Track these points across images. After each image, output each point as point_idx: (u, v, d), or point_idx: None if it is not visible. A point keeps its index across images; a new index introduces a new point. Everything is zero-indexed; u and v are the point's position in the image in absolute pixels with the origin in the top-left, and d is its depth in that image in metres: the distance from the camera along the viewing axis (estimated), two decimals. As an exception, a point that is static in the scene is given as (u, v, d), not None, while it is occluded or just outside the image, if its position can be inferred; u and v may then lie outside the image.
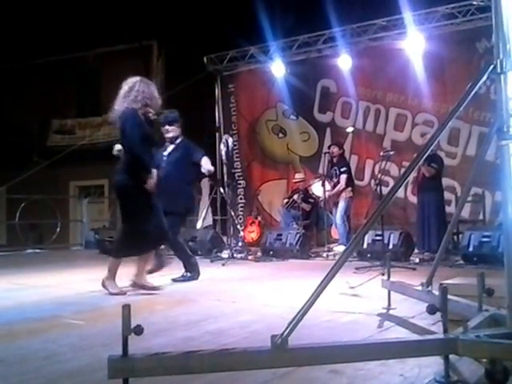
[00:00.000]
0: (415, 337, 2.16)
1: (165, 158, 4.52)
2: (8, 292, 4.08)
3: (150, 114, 3.74)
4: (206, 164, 4.43)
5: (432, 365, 1.85)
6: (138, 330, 1.48)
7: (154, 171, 3.66)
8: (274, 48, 8.78)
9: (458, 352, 1.61)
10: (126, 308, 1.48)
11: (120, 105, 3.65)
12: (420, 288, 2.53)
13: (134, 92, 3.63)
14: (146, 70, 12.81)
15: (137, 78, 3.74)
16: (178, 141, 4.61)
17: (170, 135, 4.56)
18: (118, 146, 3.85)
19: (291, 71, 8.70)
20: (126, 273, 3.81)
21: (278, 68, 8.76)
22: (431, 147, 1.85)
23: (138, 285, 3.78)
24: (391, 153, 5.83)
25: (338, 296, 3.41)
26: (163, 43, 12.70)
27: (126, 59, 12.53)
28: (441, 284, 2.07)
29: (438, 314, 1.72)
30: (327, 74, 8.60)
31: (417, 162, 1.96)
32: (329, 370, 1.86)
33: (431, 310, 1.69)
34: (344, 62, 8.14)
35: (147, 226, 3.63)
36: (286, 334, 1.56)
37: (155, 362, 1.53)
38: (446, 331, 1.65)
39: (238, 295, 3.80)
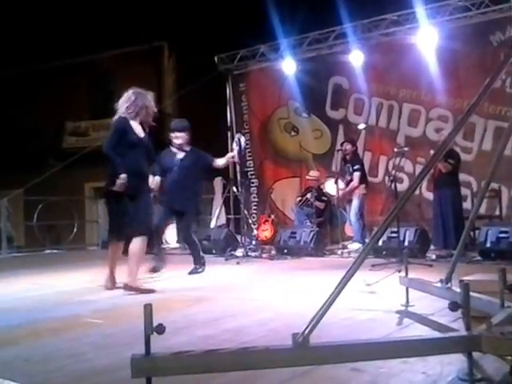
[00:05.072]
0: (438, 334, 2.14)
1: (178, 163, 5.07)
2: (29, 292, 4.14)
3: (147, 122, 4.08)
4: (222, 160, 5.16)
5: (454, 362, 1.83)
6: (160, 329, 1.48)
7: (123, 176, 3.77)
8: (284, 46, 8.73)
9: (482, 349, 1.59)
10: (148, 307, 1.48)
11: (116, 114, 4.01)
12: (439, 285, 2.51)
13: (127, 103, 3.97)
14: (157, 71, 12.88)
15: (131, 90, 4.04)
16: (188, 148, 5.13)
17: (177, 142, 5.08)
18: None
19: (302, 68, 8.65)
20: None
21: (288, 66, 8.72)
22: (449, 143, 1.82)
23: (130, 288, 3.74)
24: (405, 149, 5.76)
25: (355, 293, 3.38)
26: (174, 44, 12.74)
27: (138, 61, 12.59)
28: (461, 280, 2.05)
29: (458, 311, 1.69)
30: (339, 71, 8.53)
31: (434, 161, 1.93)
32: (350, 368, 1.85)
33: (453, 307, 1.67)
34: (356, 58, 8.06)
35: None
36: (307, 332, 1.56)
37: (177, 360, 1.54)
38: (468, 328, 1.62)
39: (254, 293, 3.81)
